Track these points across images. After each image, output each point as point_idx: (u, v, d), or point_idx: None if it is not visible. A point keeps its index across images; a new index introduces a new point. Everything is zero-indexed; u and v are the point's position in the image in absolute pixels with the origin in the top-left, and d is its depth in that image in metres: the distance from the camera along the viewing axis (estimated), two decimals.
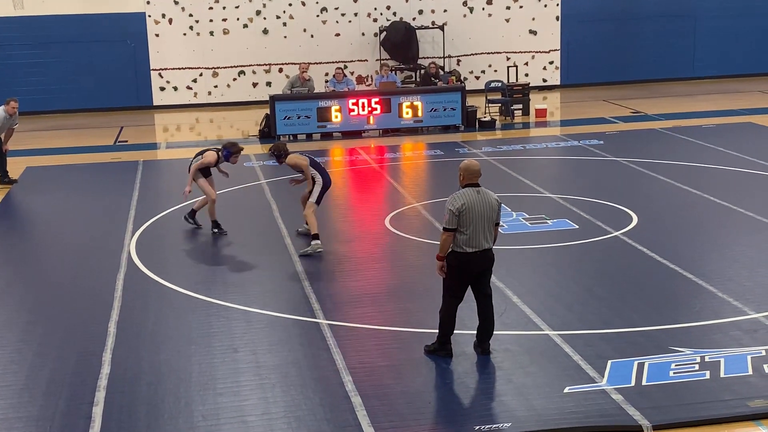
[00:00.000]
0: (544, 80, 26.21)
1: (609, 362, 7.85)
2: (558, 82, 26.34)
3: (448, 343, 8.12)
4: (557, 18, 25.92)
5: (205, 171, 12.56)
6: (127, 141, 20.22)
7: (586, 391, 7.38)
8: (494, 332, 8.22)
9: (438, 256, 8.02)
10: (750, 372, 7.64)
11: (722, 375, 7.60)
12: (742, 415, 7.00)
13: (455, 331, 8.22)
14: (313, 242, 11.33)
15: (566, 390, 7.41)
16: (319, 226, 11.47)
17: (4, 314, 9.64)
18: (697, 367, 7.76)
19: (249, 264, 11.13)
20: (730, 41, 26.68)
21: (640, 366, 7.77)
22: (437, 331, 8.15)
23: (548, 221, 12.46)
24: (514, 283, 9.95)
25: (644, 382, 7.50)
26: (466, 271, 7.95)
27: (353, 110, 19.50)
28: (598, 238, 11.63)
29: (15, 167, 16.59)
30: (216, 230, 12.37)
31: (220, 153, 12.44)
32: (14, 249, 12.41)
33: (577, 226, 12.17)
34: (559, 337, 8.45)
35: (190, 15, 24.28)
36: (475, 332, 8.25)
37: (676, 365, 7.79)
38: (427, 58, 24.74)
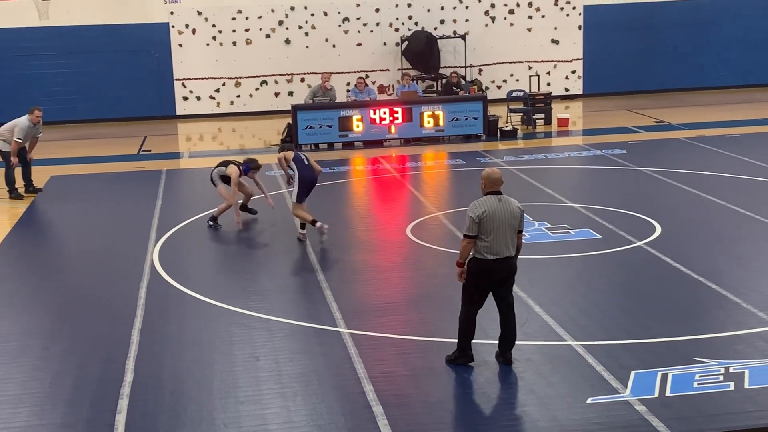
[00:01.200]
0: (567, 89, 26.15)
1: (632, 373, 7.80)
2: (580, 91, 26.27)
3: (468, 349, 8.12)
4: (579, 27, 25.87)
5: (225, 179, 13.29)
6: (150, 150, 20.35)
7: (610, 402, 7.33)
8: (516, 342, 8.20)
9: (458, 262, 8.04)
10: None
11: (746, 386, 7.53)
12: (767, 426, 6.92)
13: (477, 341, 8.21)
14: (317, 225, 11.87)
15: (589, 401, 7.37)
16: (340, 235, 11.50)
17: (29, 322, 9.71)
18: (721, 378, 7.69)
19: (271, 273, 11.16)
20: (753, 50, 26.50)
21: (664, 377, 7.71)
22: (457, 340, 8.15)
23: (571, 231, 12.42)
24: (536, 293, 9.91)
25: (668, 393, 7.44)
26: (487, 278, 7.96)
27: (375, 119, 19.53)
28: (621, 248, 11.57)
29: (40, 176, 16.73)
30: (212, 223, 13.02)
31: (240, 167, 13.27)
32: (38, 257, 12.50)
33: (600, 236, 12.12)
34: (581, 348, 8.41)
35: (213, 25, 24.42)
36: (497, 342, 8.23)
37: (700, 376, 7.73)
38: (449, 67, 24.76)
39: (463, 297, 8.11)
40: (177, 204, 14.94)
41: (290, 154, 12.31)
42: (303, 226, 12.19)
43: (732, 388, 7.51)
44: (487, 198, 7.94)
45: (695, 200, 13.98)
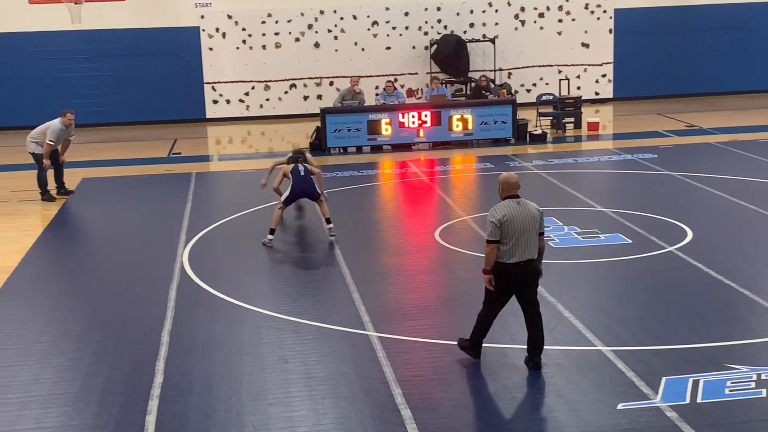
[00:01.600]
0: (597, 93, 26.01)
1: (663, 379, 7.73)
2: (611, 95, 26.12)
3: (478, 347, 8.25)
4: (610, 31, 25.73)
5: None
6: (180, 153, 20.48)
7: (640, 408, 7.27)
8: (545, 347, 8.15)
9: (484, 269, 8.03)
10: None
11: None
12: None
13: (506, 345, 8.20)
14: (268, 237, 12.36)
15: (619, 407, 7.31)
16: (369, 238, 11.50)
17: (60, 323, 9.80)
18: (753, 384, 7.61)
19: (300, 275, 11.18)
20: None
21: (695, 383, 7.64)
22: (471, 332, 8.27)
23: (600, 235, 12.34)
24: (566, 298, 9.86)
25: (699, 400, 7.37)
26: (509, 281, 7.98)
27: (403, 123, 19.53)
28: (651, 253, 11.48)
29: (71, 178, 16.88)
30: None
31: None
32: (70, 259, 12.62)
33: (631, 241, 12.03)
34: (611, 353, 8.35)
35: (243, 29, 24.55)
36: (526, 346, 8.19)
37: (731, 383, 7.65)
38: (478, 71, 24.72)
39: (485, 298, 8.17)
40: (206, 206, 15.01)
41: (289, 168, 12.75)
42: (272, 232, 12.44)
43: (764, 395, 7.43)
44: (506, 202, 7.97)
45: (727, 205, 13.84)
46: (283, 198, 12.66)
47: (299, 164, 12.80)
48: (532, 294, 8.08)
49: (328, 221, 12.58)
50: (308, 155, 13.69)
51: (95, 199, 15.90)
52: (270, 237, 12.38)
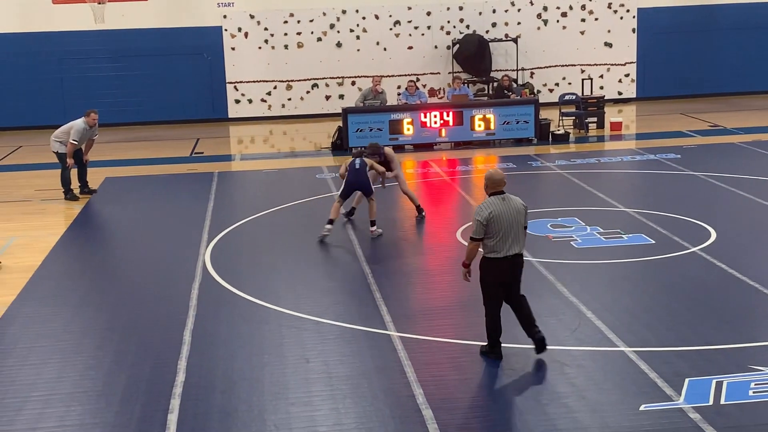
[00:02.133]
0: (620, 93, 25.87)
1: (686, 380, 7.68)
2: (634, 95, 25.98)
3: (497, 346, 8.32)
4: (633, 30, 25.59)
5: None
6: (202, 153, 20.55)
7: (663, 410, 7.22)
8: (567, 348, 8.12)
9: (463, 263, 8.35)
10: None
11: None
12: None
13: (526, 346, 8.15)
14: (327, 226, 12.57)
15: (642, 408, 7.27)
16: (391, 238, 11.49)
17: (83, 321, 9.85)
18: None
19: (321, 275, 11.19)
20: None
21: (719, 385, 7.58)
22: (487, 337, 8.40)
23: (623, 236, 12.27)
24: (588, 298, 9.81)
25: (723, 401, 7.31)
26: (501, 275, 8.20)
27: (425, 123, 19.50)
28: (675, 254, 11.40)
29: (94, 177, 16.99)
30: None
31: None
32: (93, 257, 12.69)
33: (654, 241, 11.95)
34: (634, 354, 8.30)
35: (266, 29, 24.61)
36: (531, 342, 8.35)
37: (755, 384, 7.58)
38: (500, 70, 24.65)
39: (484, 299, 8.34)
40: (229, 206, 15.06)
41: (347, 161, 13.05)
42: (330, 222, 12.67)
43: None
44: (492, 199, 8.20)
45: (751, 206, 13.73)
46: (339, 191, 13.00)
47: (357, 158, 13.11)
48: (517, 290, 8.33)
49: (372, 224, 12.72)
50: (386, 149, 13.87)
51: (118, 199, 15.98)
52: (328, 227, 12.60)
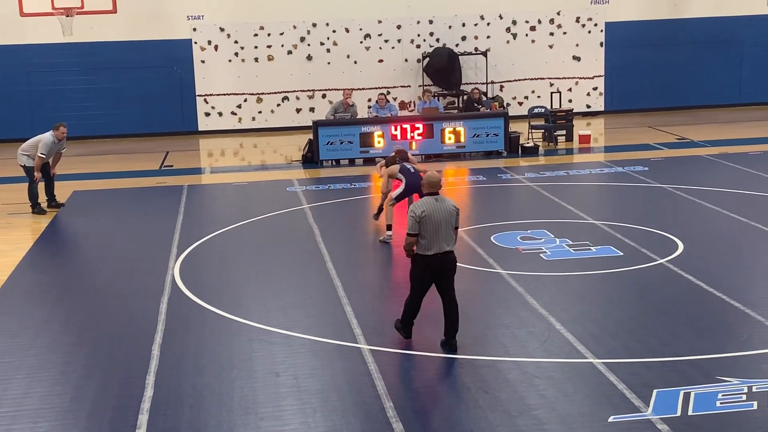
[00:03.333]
0: (588, 106, 26.09)
1: (654, 391, 7.73)
2: (602, 108, 26.20)
3: (410, 326, 9.03)
4: (601, 44, 25.83)
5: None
6: (172, 166, 20.46)
7: (631, 421, 7.27)
8: (538, 359, 8.14)
9: (405, 252, 8.91)
10: None
11: None
12: None
13: (495, 358, 8.21)
14: (387, 233, 12.95)
15: (611, 419, 7.31)
16: (361, 251, 11.50)
17: (50, 337, 9.75)
18: (744, 397, 7.61)
19: (291, 288, 11.16)
20: None
21: (686, 396, 7.64)
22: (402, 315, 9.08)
23: (592, 248, 12.35)
24: (558, 310, 9.86)
25: (690, 412, 7.37)
26: (430, 271, 8.75)
27: (396, 136, 19.54)
28: (643, 266, 11.50)
29: (62, 191, 16.85)
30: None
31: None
32: (60, 272, 12.57)
33: (622, 253, 12.04)
34: (603, 366, 8.34)
35: (236, 42, 24.58)
36: (444, 331, 8.85)
37: (723, 395, 7.65)
38: (470, 83, 24.78)
39: (411, 288, 8.95)
40: (198, 219, 14.99)
41: (396, 169, 13.31)
42: (389, 228, 13.09)
43: (755, 407, 7.43)
44: (426, 199, 8.80)
45: (718, 217, 13.88)
46: (395, 194, 13.14)
47: (406, 163, 13.40)
48: (449, 283, 8.83)
49: (389, 227, 13.11)
50: (409, 155, 14.18)
51: (86, 212, 15.86)
52: (389, 233, 12.96)
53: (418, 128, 19.60)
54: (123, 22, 23.99)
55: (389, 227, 13.02)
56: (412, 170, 13.21)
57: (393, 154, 14.01)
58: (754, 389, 7.73)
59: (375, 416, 7.50)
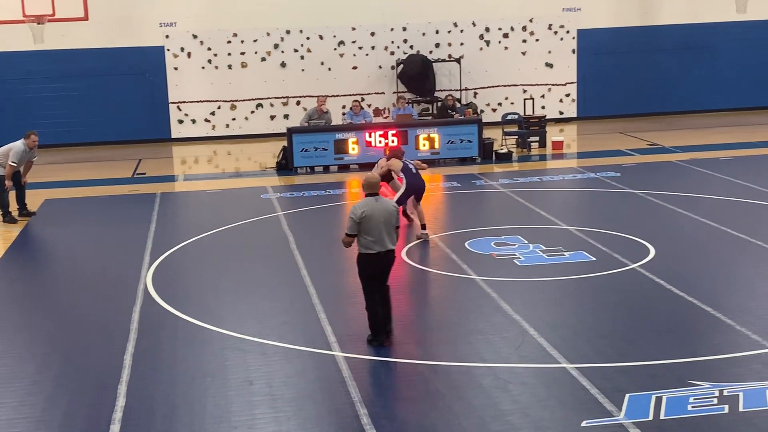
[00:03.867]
0: (561, 112, 26.24)
1: (627, 396, 7.78)
2: (574, 115, 26.37)
3: (380, 334, 9.17)
4: (573, 51, 26.00)
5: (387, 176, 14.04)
6: (145, 173, 20.35)
7: (604, 425, 7.31)
8: (511, 365, 8.16)
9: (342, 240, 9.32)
10: None
11: (741, 409, 7.51)
12: None
13: (471, 364, 8.21)
14: (422, 231, 13.31)
15: (584, 424, 7.34)
16: (335, 258, 11.49)
17: (22, 346, 9.67)
18: (715, 401, 7.67)
19: (265, 296, 11.13)
20: (747, 74, 26.64)
21: (658, 400, 7.69)
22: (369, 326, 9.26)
23: (565, 253, 12.42)
24: (531, 316, 9.90)
25: (662, 416, 7.42)
26: (375, 268, 9.12)
27: (370, 142, 19.56)
28: (615, 271, 11.57)
29: (33, 200, 16.72)
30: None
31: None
32: (32, 281, 12.47)
33: (595, 259, 12.12)
34: (576, 371, 8.39)
35: (209, 48, 24.51)
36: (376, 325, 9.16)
37: (694, 399, 7.71)
38: (444, 90, 24.84)
39: (365, 293, 9.21)
40: (171, 227, 14.92)
41: (399, 165, 13.39)
42: (423, 227, 13.38)
43: (726, 411, 7.49)
44: (366, 200, 9.14)
45: (689, 223, 14.00)
46: (396, 198, 13.22)
47: (407, 162, 13.55)
48: (386, 278, 9.27)
49: (424, 227, 13.37)
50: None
51: (57, 221, 15.74)
52: (424, 232, 13.28)
53: (392, 135, 19.63)
54: (95, 30, 23.85)
55: (423, 226, 13.32)
56: (414, 170, 13.48)
57: (394, 149, 14.24)
58: (725, 393, 7.79)
59: (350, 423, 7.50)
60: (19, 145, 15.71)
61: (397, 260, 12.38)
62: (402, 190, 13.42)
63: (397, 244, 9.28)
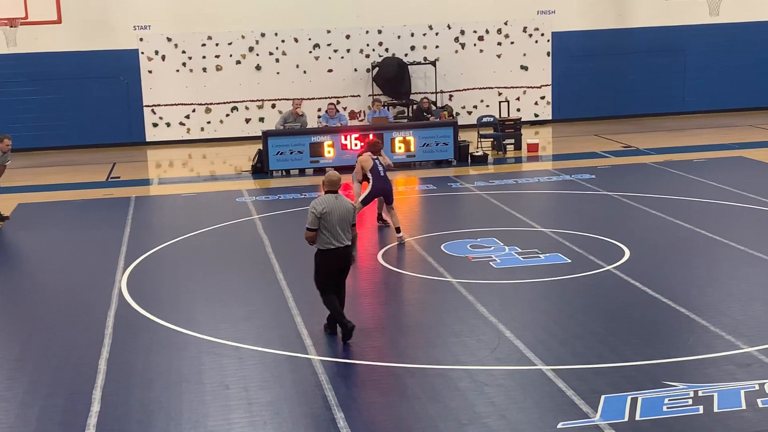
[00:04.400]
0: (536, 115, 26.34)
1: (602, 397, 7.81)
2: (549, 117, 26.48)
3: (334, 325, 9.52)
4: (548, 54, 26.11)
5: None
6: (119, 177, 20.22)
7: (580, 427, 7.33)
8: (489, 367, 8.20)
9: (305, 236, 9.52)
10: (743, 407, 7.61)
11: (716, 409, 7.56)
12: None
13: (448, 367, 8.24)
14: (399, 235, 13.32)
15: (560, 425, 7.37)
16: (311, 261, 11.44)
17: None
18: (690, 401, 7.73)
19: (241, 300, 11.09)
20: (720, 76, 26.87)
21: (634, 401, 7.73)
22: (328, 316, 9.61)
23: (541, 255, 12.46)
24: (507, 318, 9.92)
25: (638, 417, 7.46)
26: (332, 264, 9.43)
27: (346, 145, 19.55)
28: (590, 272, 11.62)
29: (7, 204, 16.57)
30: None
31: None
32: (4, 285, 12.35)
33: (570, 261, 12.17)
34: (552, 372, 8.41)
35: (183, 51, 24.40)
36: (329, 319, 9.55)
37: (669, 400, 7.76)
38: (420, 93, 24.88)
39: (321, 288, 9.52)
40: (146, 231, 14.83)
41: (369, 165, 13.52)
42: (398, 230, 13.38)
43: (701, 411, 7.54)
44: (326, 196, 9.49)
45: (663, 224, 14.09)
46: (362, 198, 13.37)
47: (378, 161, 13.55)
48: (343, 276, 9.60)
49: (399, 230, 13.41)
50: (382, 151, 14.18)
51: (31, 225, 15.61)
52: (399, 235, 13.30)
53: (368, 137, 19.55)
54: (68, 33, 23.68)
55: (398, 230, 13.36)
56: (382, 173, 13.52)
57: (370, 142, 14.18)
58: (699, 393, 7.85)
59: (326, 427, 7.48)
60: None
61: (372, 263, 12.49)
62: (367, 192, 13.51)
63: (354, 242, 9.66)
